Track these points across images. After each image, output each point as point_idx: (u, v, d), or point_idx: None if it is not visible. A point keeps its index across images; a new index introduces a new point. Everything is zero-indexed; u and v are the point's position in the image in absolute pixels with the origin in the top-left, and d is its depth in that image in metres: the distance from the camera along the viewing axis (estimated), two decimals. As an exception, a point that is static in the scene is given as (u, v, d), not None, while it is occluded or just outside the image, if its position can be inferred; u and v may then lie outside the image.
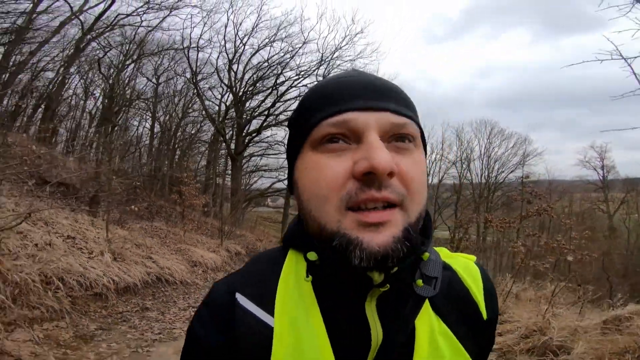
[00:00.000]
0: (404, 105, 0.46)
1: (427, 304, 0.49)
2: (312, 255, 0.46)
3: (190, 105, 18.71)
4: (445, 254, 0.55)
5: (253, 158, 19.98)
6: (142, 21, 14.03)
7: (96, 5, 12.58)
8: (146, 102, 17.26)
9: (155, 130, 17.69)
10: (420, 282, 0.46)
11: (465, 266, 0.55)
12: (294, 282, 0.48)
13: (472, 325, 0.51)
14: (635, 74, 3.06)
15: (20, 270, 3.08)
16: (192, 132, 19.18)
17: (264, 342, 0.45)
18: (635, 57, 3.03)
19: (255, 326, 0.46)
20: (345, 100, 0.45)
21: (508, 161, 22.56)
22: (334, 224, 0.42)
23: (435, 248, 0.53)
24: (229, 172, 19.42)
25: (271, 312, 0.47)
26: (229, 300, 0.49)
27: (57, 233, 4.63)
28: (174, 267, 5.93)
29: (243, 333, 0.46)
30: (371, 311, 0.46)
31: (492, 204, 21.49)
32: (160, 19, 14.11)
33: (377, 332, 0.45)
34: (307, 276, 0.46)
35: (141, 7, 13.40)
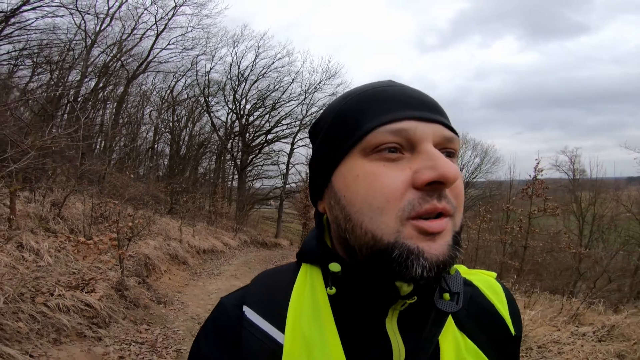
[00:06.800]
0: (449, 121, 0.47)
1: (450, 320, 0.48)
2: (335, 267, 0.45)
3: (199, 118, 22.99)
4: (464, 271, 0.55)
5: (255, 166, 25.07)
6: (175, 73, 19.73)
7: (132, 48, 16.48)
8: (166, 122, 21.62)
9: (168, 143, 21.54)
10: (447, 295, 0.44)
11: (487, 282, 0.55)
12: (308, 296, 0.47)
13: (499, 341, 0.50)
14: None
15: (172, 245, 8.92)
16: (201, 141, 23.13)
17: None
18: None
19: (263, 343, 0.45)
20: (401, 109, 0.44)
21: (482, 164, 25.95)
22: (392, 235, 0.40)
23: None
24: (236, 177, 25.07)
25: (281, 327, 0.45)
26: (236, 315, 0.48)
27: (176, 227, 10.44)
28: (217, 244, 11.71)
29: (250, 351, 0.45)
30: (392, 327, 0.45)
31: (469, 202, 22.55)
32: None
33: (399, 350, 0.44)
34: (330, 287, 0.45)
35: (173, 56, 18.43)
